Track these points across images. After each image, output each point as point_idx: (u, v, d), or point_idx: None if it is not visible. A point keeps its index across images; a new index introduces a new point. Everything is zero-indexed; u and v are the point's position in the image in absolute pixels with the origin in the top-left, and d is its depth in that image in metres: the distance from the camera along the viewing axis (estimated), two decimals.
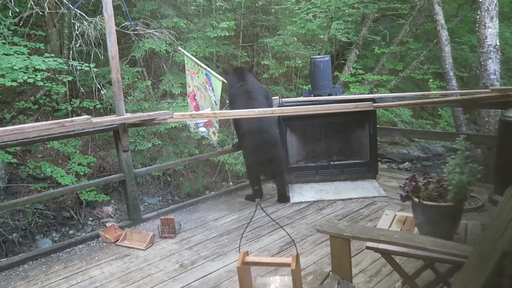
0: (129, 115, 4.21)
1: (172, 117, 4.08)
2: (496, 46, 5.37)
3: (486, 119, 5.47)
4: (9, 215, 5.58)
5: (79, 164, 6.28)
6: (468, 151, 2.24)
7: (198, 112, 4.58)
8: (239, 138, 4.72)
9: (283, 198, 4.52)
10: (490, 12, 5.30)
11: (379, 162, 6.40)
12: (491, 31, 5.33)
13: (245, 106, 4.28)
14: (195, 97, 4.92)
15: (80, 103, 6.69)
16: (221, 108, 4.67)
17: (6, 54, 5.13)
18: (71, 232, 6.11)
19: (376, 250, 2.27)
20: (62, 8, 6.12)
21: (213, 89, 4.61)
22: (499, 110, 4.73)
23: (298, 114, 4.51)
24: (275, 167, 4.43)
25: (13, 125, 6.16)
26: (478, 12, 5.41)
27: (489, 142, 5.15)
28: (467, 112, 8.25)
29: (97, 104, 6.65)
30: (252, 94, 4.47)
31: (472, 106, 5.82)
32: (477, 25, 5.47)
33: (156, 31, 6.59)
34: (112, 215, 6.51)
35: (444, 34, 6.45)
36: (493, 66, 5.38)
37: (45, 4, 5.72)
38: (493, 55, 5.36)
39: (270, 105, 4.63)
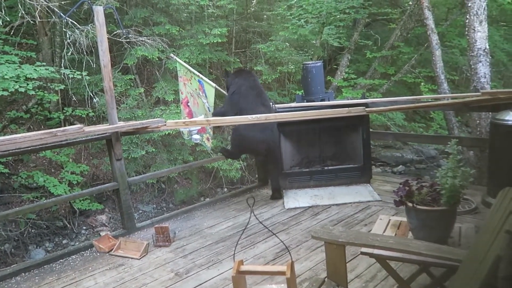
0: (122, 123, 4.18)
1: (165, 125, 4.06)
2: (486, 50, 5.43)
3: (478, 121, 5.51)
4: (1, 225, 5.52)
5: (72, 173, 6.22)
6: (460, 155, 2.26)
7: (191, 120, 4.56)
8: (235, 131, 4.55)
9: (278, 194, 4.78)
10: (479, 16, 5.36)
11: (373, 166, 6.43)
12: (481, 35, 5.39)
13: (253, 100, 4.33)
14: (188, 104, 4.91)
15: (72, 112, 6.65)
16: None
17: None
18: (64, 241, 6.04)
19: (371, 255, 2.27)
20: (54, 17, 6.10)
21: (206, 96, 4.60)
22: (490, 113, 4.78)
23: (291, 120, 4.52)
24: (274, 167, 4.71)
25: (4, 134, 6.11)
26: (467, 16, 5.46)
27: (481, 144, 5.19)
28: (459, 115, 8.32)
29: (89, 112, 6.61)
30: (261, 89, 4.51)
31: (463, 109, 5.86)
32: (466, 29, 5.52)
33: (149, 39, 6.59)
34: (106, 224, 6.45)
35: (435, 38, 6.50)
36: (483, 69, 5.42)
37: (36, 13, 5.70)
38: (483, 59, 5.41)
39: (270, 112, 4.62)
